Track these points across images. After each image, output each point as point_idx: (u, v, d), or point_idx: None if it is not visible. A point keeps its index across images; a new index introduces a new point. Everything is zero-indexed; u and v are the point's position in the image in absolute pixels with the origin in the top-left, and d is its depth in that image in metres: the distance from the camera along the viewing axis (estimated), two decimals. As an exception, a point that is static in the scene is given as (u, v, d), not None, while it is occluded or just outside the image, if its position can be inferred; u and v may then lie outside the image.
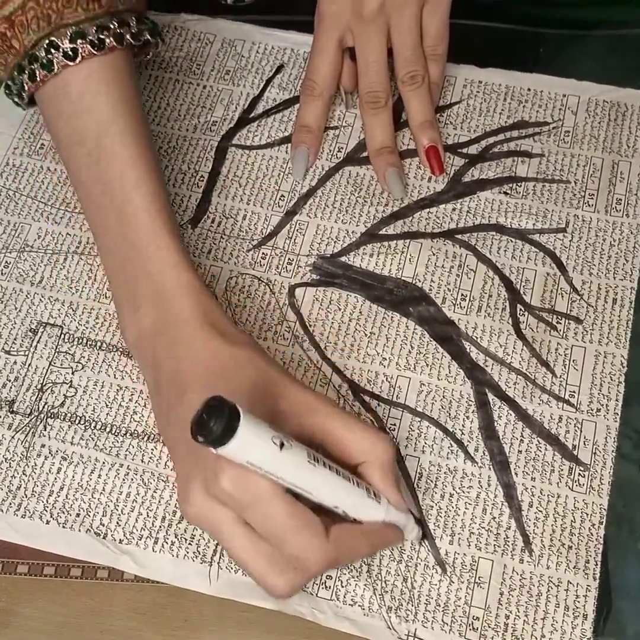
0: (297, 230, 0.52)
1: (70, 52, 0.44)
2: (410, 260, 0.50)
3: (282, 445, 0.35)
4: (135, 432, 0.46)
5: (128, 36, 0.46)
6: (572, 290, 0.49)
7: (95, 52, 0.45)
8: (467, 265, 0.50)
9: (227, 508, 0.37)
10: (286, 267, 0.51)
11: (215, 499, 0.37)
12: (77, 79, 0.45)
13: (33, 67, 0.45)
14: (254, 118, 0.55)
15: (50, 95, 0.46)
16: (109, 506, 0.45)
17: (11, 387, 0.47)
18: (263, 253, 0.51)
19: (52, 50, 0.45)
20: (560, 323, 0.48)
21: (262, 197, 0.53)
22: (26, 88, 0.46)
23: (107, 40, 0.45)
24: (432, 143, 0.53)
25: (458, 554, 0.43)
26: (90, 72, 0.45)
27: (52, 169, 0.54)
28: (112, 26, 0.45)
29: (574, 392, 0.47)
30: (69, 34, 0.45)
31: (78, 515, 0.44)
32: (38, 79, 0.45)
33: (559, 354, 0.48)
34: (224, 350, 0.41)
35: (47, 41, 0.45)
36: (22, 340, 0.49)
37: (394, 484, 0.40)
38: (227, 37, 0.58)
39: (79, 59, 0.45)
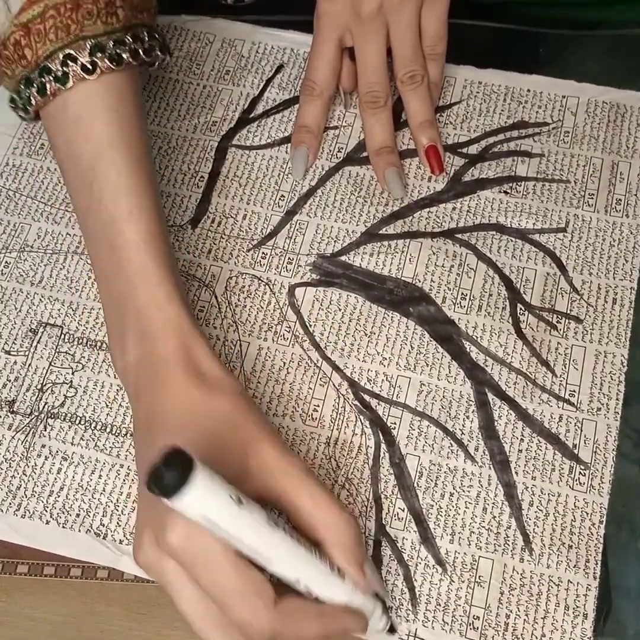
0: (297, 229, 0.52)
1: (89, 66, 0.43)
2: (410, 260, 0.50)
3: (239, 502, 0.33)
4: (136, 432, 0.46)
5: (141, 51, 0.45)
6: (572, 289, 0.49)
7: (113, 68, 0.43)
8: (467, 265, 0.50)
9: (176, 564, 0.36)
10: (286, 266, 0.51)
11: (164, 551, 0.36)
12: (76, 100, 0.43)
13: (43, 80, 0.43)
14: (254, 118, 0.56)
15: (51, 113, 0.44)
16: (109, 506, 0.45)
17: (11, 387, 0.47)
18: (263, 253, 0.51)
19: (69, 62, 0.43)
20: (561, 322, 0.48)
21: (262, 197, 0.53)
22: (34, 102, 0.44)
23: (124, 56, 0.44)
24: (432, 142, 0.53)
25: (458, 553, 0.43)
26: (92, 93, 0.43)
27: (52, 169, 0.54)
28: (127, 41, 0.44)
29: (574, 391, 0.47)
30: (88, 46, 0.43)
31: (78, 515, 0.44)
32: (48, 92, 0.43)
33: (559, 353, 0.48)
34: (200, 398, 0.39)
35: (64, 53, 0.43)
36: (22, 341, 0.49)
37: (358, 565, 0.37)
38: (227, 37, 0.58)
39: (97, 73, 0.43)
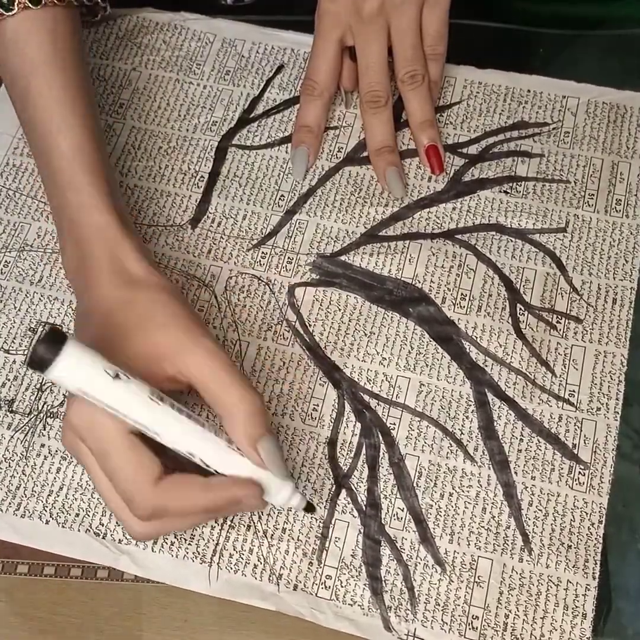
0: (297, 229, 0.52)
1: (5, 1, 0.45)
2: (410, 261, 0.50)
3: (117, 376, 0.35)
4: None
5: None
6: (572, 290, 0.49)
7: (56, 2, 0.46)
8: (467, 265, 0.50)
9: (82, 441, 0.38)
10: (286, 266, 0.51)
11: (73, 432, 0.38)
12: (16, 23, 0.45)
13: None
14: (254, 118, 0.55)
15: None
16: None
17: (11, 387, 0.47)
18: (263, 252, 0.51)
19: None
20: (560, 323, 0.48)
21: (262, 197, 0.53)
22: None
23: None
24: (432, 142, 0.53)
25: (457, 553, 0.43)
26: (31, 17, 0.46)
27: None
28: None
29: (573, 391, 0.47)
30: None
31: (77, 515, 0.44)
32: None
33: (558, 353, 0.48)
34: (121, 296, 0.41)
35: None
36: (22, 340, 0.49)
37: (248, 439, 0.38)
38: (228, 36, 0.58)
39: (41, 4, 0.45)
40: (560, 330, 0.48)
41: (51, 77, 0.45)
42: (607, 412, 0.46)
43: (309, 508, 0.41)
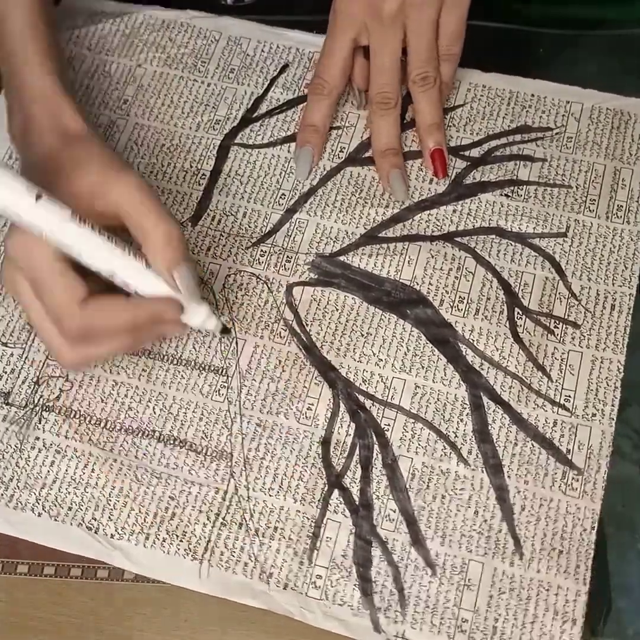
0: (296, 228, 0.52)
1: None
2: (408, 262, 0.50)
3: (39, 197, 0.38)
4: (130, 428, 0.46)
5: None
6: (570, 295, 0.49)
7: None
8: (466, 268, 0.50)
9: (19, 269, 0.41)
10: (285, 265, 0.51)
11: (10, 262, 0.41)
12: None
13: None
14: (257, 117, 0.56)
15: None
16: (101, 501, 0.45)
17: (7, 379, 0.48)
18: (262, 250, 0.51)
19: None
20: (558, 327, 0.48)
21: (262, 196, 0.53)
22: None
23: None
24: (438, 146, 0.53)
25: (448, 555, 0.43)
26: None
27: None
28: None
29: (569, 396, 0.47)
30: None
31: (70, 508, 0.45)
32: None
33: (555, 358, 0.47)
34: (59, 147, 0.44)
35: None
36: (20, 333, 0.49)
37: (164, 263, 0.41)
38: (233, 35, 0.58)
39: None
40: (557, 335, 0.48)
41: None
42: (602, 418, 0.46)
43: (225, 331, 0.44)
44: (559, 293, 0.49)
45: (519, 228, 0.51)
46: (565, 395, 0.47)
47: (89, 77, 0.57)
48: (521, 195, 0.52)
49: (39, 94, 0.46)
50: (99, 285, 0.41)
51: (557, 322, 0.48)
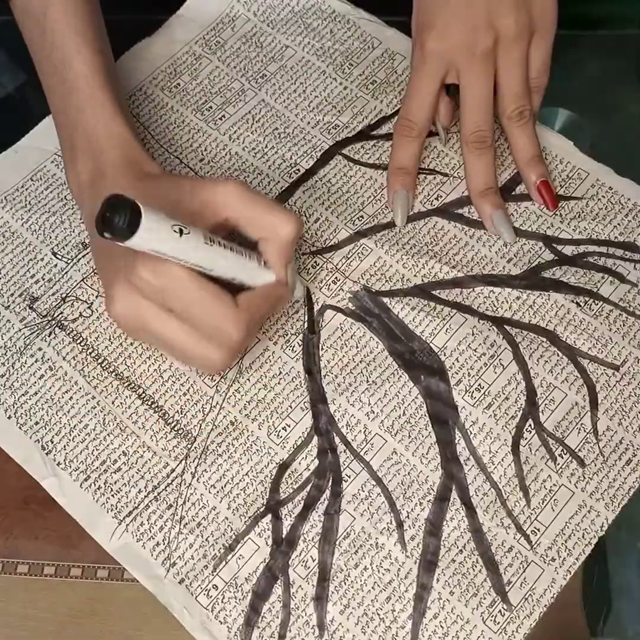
0: (358, 253, 0.51)
1: None
2: (446, 331, 0.48)
3: (181, 231, 0.38)
4: (121, 374, 0.48)
5: None
6: (593, 430, 0.46)
7: None
8: (499, 359, 0.47)
9: (151, 300, 0.40)
10: (329, 285, 0.50)
11: (138, 292, 0.40)
12: None
13: None
14: (374, 136, 0.55)
15: None
16: (65, 428, 0.46)
17: (42, 286, 0.50)
18: (316, 262, 0.51)
19: None
20: (563, 457, 0.45)
21: (342, 210, 0.52)
22: None
23: None
24: (543, 178, 0.51)
25: (342, 626, 0.42)
26: None
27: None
28: None
29: (538, 529, 0.43)
30: None
31: (36, 423, 0.46)
32: None
33: (544, 486, 0.44)
34: (146, 186, 0.45)
35: None
36: (71, 249, 0.51)
37: (284, 263, 0.43)
38: (391, 48, 0.58)
39: None
40: (558, 464, 0.45)
41: (69, 7, 0.48)
42: (560, 567, 0.42)
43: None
44: (582, 424, 0.46)
45: (574, 342, 0.48)
46: (534, 528, 0.43)
47: (242, 42, 0.58)
48: (593, 310, 0.49)
49: (115, 142, 0.46)
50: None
51: (565, 451, 0.45)
